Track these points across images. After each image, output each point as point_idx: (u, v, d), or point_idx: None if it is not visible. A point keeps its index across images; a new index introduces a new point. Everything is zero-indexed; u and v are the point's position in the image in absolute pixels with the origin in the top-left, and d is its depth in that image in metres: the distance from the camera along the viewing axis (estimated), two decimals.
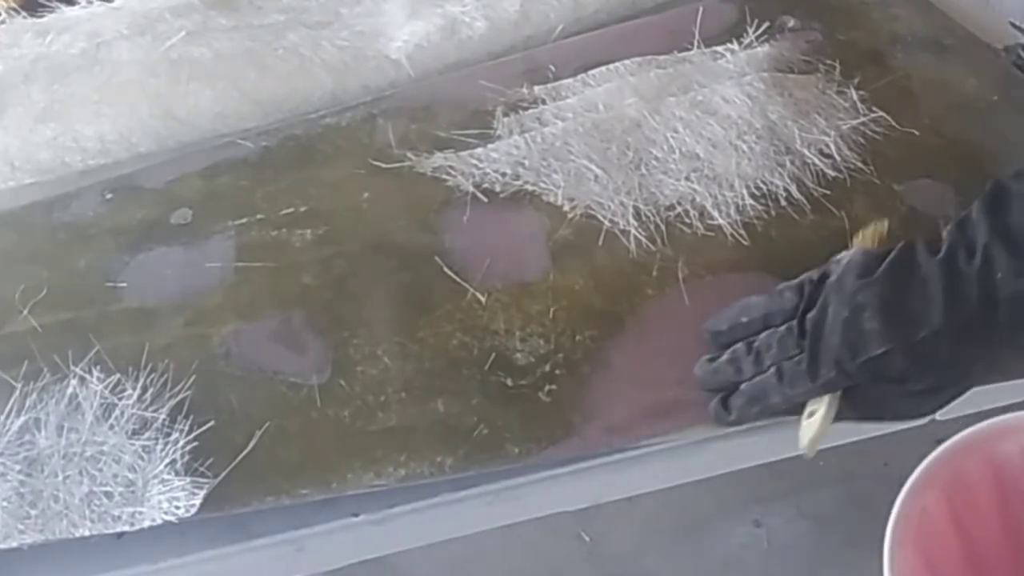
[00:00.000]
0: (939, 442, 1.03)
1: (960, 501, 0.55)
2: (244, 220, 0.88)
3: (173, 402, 0.74)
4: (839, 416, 0.67)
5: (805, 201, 0.85)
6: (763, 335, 0.69)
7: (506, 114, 0.95)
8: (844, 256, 0.71)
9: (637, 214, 0.85)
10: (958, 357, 0.64)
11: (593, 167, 0.88)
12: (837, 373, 0.65)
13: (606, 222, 0.84)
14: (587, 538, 1.07)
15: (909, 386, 0.65)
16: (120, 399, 0.74)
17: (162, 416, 0.73)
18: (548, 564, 1.08)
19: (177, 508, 0.69)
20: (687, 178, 0.87)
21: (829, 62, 0.97)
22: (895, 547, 0.51)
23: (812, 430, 0.66)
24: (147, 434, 0.72)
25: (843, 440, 0.77)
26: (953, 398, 0.67)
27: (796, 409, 0.68)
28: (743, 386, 0.69)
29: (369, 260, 0.84)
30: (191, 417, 0.73)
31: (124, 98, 1.01)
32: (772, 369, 0.68)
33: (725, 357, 0.71)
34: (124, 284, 0.84)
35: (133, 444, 0.71)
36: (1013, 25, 1.04)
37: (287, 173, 0.92)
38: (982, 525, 0.55)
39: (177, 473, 0.70)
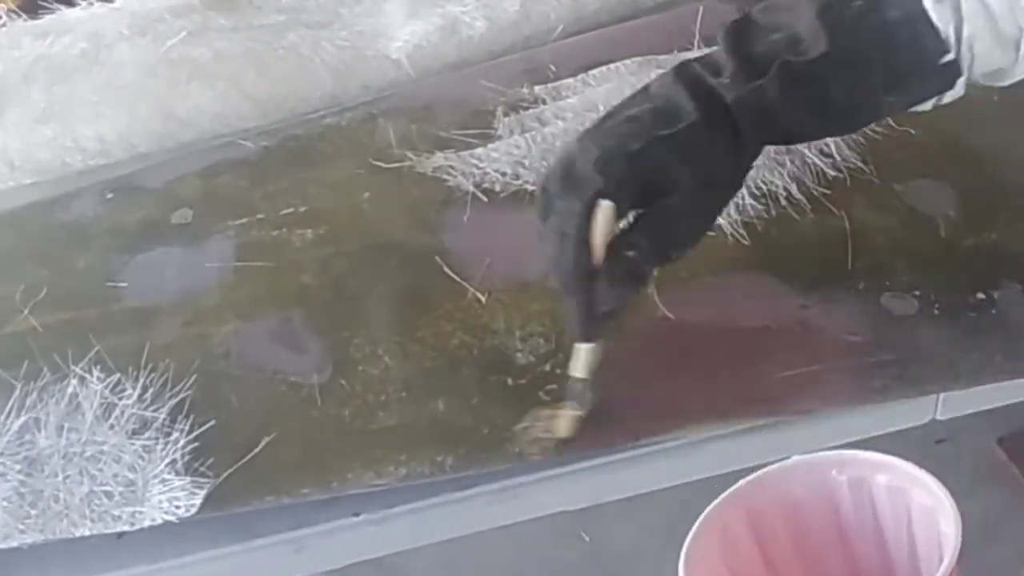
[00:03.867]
0: (939, 443, 1.03)
1: (759, 524, 0.58)
2: (244, 220, 0.88)
3: (173, 402, 0.74)
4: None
5: (805, 201, 0.85)
6: None
7: (506, 114, 0.95)
8: None
9: None
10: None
11: None
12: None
13: None
14: (587, 538, 1.07)
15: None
16: (120, 399, 0.74)
17: (162, 416, 0.73)
18: (548, 564, 1.08)
19: (177, 508, 0.68)
20: None
21: None
22: (694, 549, 0.53)
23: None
24: (147, 434, 0.72)
25: (843, 440, 0.77)
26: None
27: None
28: None
29: (369, 260, 0.84)
30: (191, 417, 0.73)
31: (124, 98, 1.01)
32: None
33: None
34: (124, 284, 0.84)
35: (133, 444, 0.71)
36: None
37: (287, 173, 0.92)
38: (778, 545, 0.59)
39: (177, 473, 0.70)
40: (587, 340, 0.68)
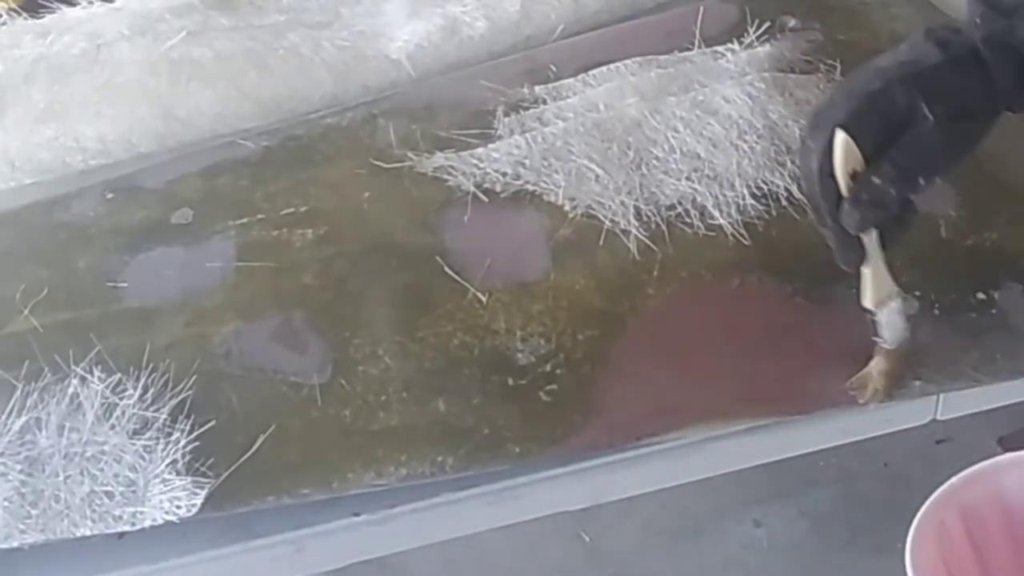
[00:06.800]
0: (939, 443, 1.03)
1: (973, 522, 0.57)
2: (244, 220, 0.88)
3: (174, 402, 0.74)
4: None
5: (806, 200, 0.85)
6: None
7: (507, 114, 0.95)
8: None
9: (638, 214, 0.85)
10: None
11: (594, 167, 0.88)
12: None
13: (607, 222, 0.84)
14: (587, 538, 1.08)
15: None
16: (121, 399, 0.74)
17: (163, 416, 0.73)
18: (548, 564, 1.08)
19: (178, 508, 0.69)
20: (688, 178, 0.87)
21: (830, 62, 0.96)
22: (916, 547, 0.53)
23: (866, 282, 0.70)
24: (148, 434, 0.72)
25: (843, 440, 0.77)
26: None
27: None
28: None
29: (370, 260, 0.84)
30: (192, 417, 0.73)
31: (124, 98, 1.01)
32: None
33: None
34: (125, 284, 0.84)
35: (134, 444, 0.71)
36: None
37: (287, 173, 0.92)
38: (992, 545, 0.58)
39: (178, 473, 0.70)
40: (849, 267, 0.70)
